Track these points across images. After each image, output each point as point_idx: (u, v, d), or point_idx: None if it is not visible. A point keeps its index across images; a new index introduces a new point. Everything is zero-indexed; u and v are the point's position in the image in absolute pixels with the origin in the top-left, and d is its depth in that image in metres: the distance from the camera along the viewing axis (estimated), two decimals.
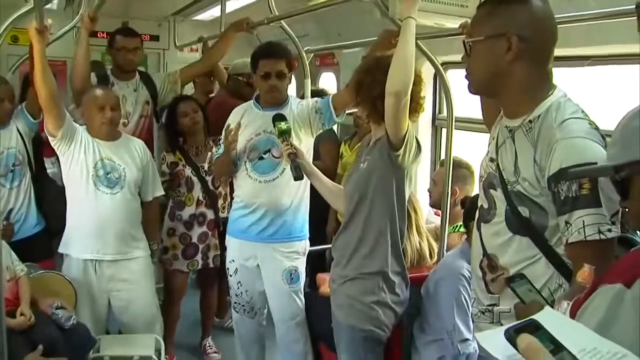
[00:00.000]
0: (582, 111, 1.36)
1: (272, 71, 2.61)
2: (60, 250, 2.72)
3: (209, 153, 3.18)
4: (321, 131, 2.74)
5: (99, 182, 2.65)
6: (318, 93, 3.41)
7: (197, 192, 3.18)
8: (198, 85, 3.96)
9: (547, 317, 0.79)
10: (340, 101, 2.63)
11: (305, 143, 2.65)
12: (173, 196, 3.18)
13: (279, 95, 2.66)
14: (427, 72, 3.05)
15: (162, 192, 2.95)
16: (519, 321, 0.80)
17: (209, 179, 3.20)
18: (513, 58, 1.38)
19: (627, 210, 0.98)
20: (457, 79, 3.35)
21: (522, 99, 1.40)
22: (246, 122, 2.68)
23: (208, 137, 3.24)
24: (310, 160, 2.67)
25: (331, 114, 2.64)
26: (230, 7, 3.89)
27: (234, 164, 2.66)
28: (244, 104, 2.80)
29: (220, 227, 3.18)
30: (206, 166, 3.19)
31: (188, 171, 3.18)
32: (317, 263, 3.16)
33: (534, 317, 0.80)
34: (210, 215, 3.20)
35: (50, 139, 2.62)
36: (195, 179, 3.17)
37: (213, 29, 4.21)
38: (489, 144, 1.54)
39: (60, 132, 2.57)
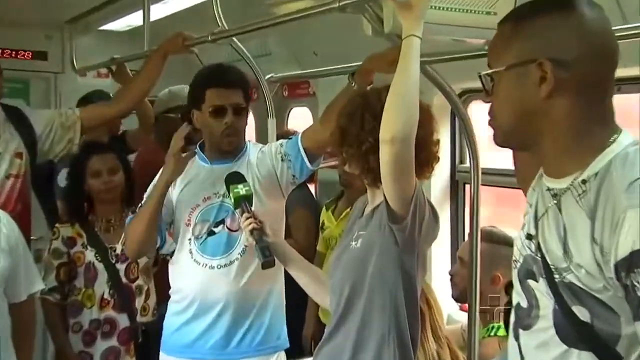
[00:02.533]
0: None
1: (226, 104, 2.68)
2: None
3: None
4: (292, 188, 2.80)
5: None
6: (287, 136, 3.47)
7: (102, 287, 3.19)
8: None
9: None
10: (313, 140, 2.67)
11: (273, 210, 2.71)
12: (65, 293, 3.23)
13: (236, 140, 2.74)
14: (441, 106, 3.14)
15: (42, 286, 2.93)
16: None
17: (121, 267, 3.23)
18: (549, 92, 1.39)
19: None
20: (483, 113, 3.45)
21: (569, 149, 1.41)
22: (187, 182, 2.74)
23: (126, 208, 3.28)
24: (283, 234, 2.70)
25: (302, 160, 2.68)
26: (157, 13, 3.97)
27: (159, 239, 2.71)
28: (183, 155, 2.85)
29: (138, 338, 3.22)
30: (119, 249, 3.22)
31: (90, 254, 3.20)
32: None
33: None
34: (122, 321, 3.21)
35: None
36: (100, 266, 3.19)
37: (131, 45, 4.29)
38: (525, 214, 1.54)
39: None
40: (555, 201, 1.42)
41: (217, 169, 2.70)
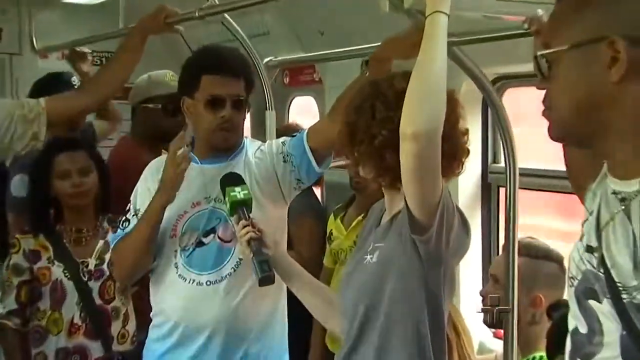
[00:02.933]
0: None
1: (224, 95, 2.67)
2: None
3: (99, 242, 3.21)
4: (297, 194, 2.80)
5: None
6: (289, 131, 3.44)
7: (72, 310, 3.15)
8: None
9: None
10: (321, 138, 2.66)
11: (274, 218, 2.70)
12: (27, 316, 3.18)
13: (233, 137, 2.74)
14: (471, 95, 3.10)
15: None
16: None
17: (94, 285, 3.17)
18: (621, 76, 1.38)
19: None
20: (521, 102, 3.41)
21: None
22: None
23: (101, 216, 3.27)
24: (285, 246, 2.68)
25: (309, 161, 2.67)
26: None
27: (153, 259, 2.71)
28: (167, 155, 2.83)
29: None
30: (92, 264, 3.18)
31: (57, 271, 3.15)
32: None
33: None
34: (95, 350, 3.17)
35: None
36: (69, 284, 3.15)
37: (103, 21, 4.21)
38: (584, 222, 1.53)
39: None
40: (623, 207, 1.40)
41: (208, 169, 2.69)
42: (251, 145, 2.79)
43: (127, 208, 2.78)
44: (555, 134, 1.48)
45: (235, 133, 2.73)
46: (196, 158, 2.73)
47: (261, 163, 2.72)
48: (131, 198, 2.79)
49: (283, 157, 2.69)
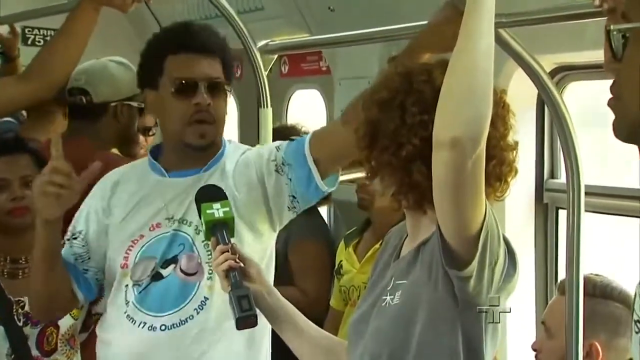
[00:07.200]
0: None
1: (195, 77, 2.68)
2: None
3: None
4: (292, 217, 2.77)
5: None
6: (286, 133, 3.43)
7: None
8: None
9: None
10: (330, 146, 2.68)
11: (257, 246, 2.71)
12: None
13: (212, 131, 2.73)
14: (522, 91, 3.10)
15: None
16: None
17: (32, 332, 3.17)
18: None
19: None
20: (587, 100, 3.40)
21: None
22: (127, 200, 2.75)
23: None
24: (271, 281, 2.64)
25: (310, 175, 2.67)
26: None
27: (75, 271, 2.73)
28: (125, 166, 2.92)
29: None
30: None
31: None
32: None
33: None
34: None
35: None
36: None
37: None
38: None
39: None
40: None
41: (175, 182, 2.71)
42: (234, 151, 2.80)
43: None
44: (621, 132, 1.47)
45: (213, 126, 2.71)
46: (161, 168, 2.75)
47: (242, 173, 2.72)
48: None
49: (276, 166, 2.69)
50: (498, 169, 2.04)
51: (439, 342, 2.03)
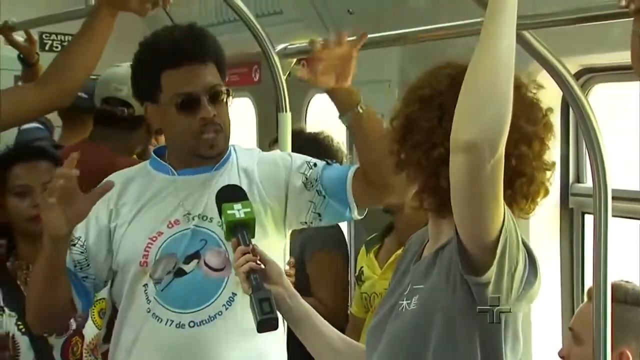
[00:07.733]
0: None
1: (197, 91, 2.69)
2: None
3: None
4: (304, 227, 2.85)
5: None
6: (306, 141, 3.39)
7: None
8: None
9: None
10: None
11: (276, 246, 2.76)
12: None
13: (222, 140, 2.77)
14: (546, 93, 3.08)
15: None
16: None
17: (57, 342, 3.17)
18: None
19: None
20: (614, 104, 3.37)
21: None
22: (140, 206, 2.78)
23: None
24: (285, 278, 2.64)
25: (347, 211, 2.74)
26: None
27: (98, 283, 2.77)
28: (132, 168, 2.93)
29: None
30: None
31: (9, 322, 3.15)
32: None
33: None
34: None
35: None
36: (24, 340, 3.16)
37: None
38: None
39: None
40: None
41: (186, 180, 2.74)
42: (243, 151, 2.86)
43: None
44: None
45: (223, 134, 2.74)
46: (169, 167, 2.78)
47: (272, 169, 2.77)
48: None
49: (305, 179, 2.75)
50: (526, 188, 2.03)
51: (456, 348, 2.02)
